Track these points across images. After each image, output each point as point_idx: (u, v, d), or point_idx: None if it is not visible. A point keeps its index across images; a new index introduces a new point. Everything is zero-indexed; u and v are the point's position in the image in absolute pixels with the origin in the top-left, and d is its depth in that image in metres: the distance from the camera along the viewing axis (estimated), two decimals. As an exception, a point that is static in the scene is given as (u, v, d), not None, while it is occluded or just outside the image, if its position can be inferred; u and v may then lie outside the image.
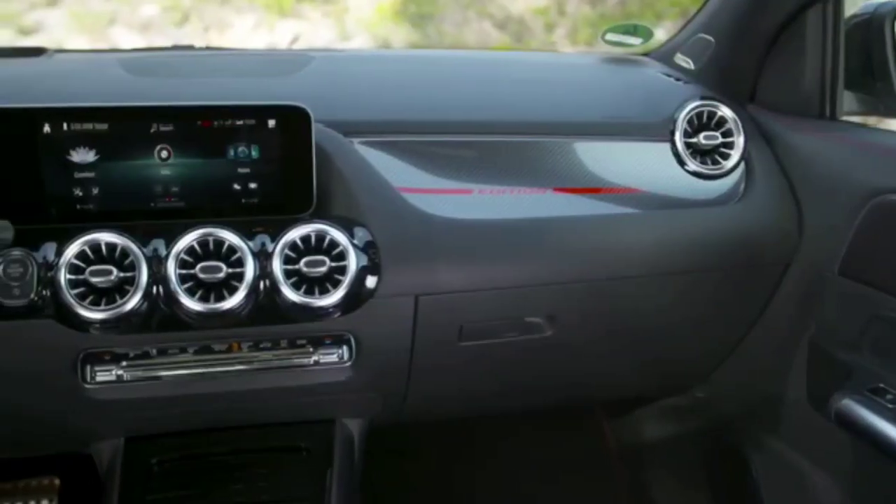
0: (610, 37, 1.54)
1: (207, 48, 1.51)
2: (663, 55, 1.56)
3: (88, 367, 1.11)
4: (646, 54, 1.62)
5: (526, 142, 1.28)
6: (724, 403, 1.58)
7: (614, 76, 1.50)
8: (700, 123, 1.34)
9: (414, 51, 2.07)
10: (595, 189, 1.28)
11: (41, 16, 3.87)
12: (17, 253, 1.02)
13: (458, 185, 1.22)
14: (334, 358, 1.17)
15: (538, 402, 1.55)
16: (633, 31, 1.53)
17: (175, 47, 1.49)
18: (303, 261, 1.07)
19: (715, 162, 1.33)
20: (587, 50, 3.80)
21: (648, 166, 1.32)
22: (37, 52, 1.35)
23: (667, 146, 1.33)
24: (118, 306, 1.03)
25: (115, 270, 1.03)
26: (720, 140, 1.33)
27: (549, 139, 1.29)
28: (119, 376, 1.12)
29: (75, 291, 1.02)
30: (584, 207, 1.26)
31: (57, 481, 1.68)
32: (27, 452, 1.43)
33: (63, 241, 1.04)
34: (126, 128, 1.09)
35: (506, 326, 1.25)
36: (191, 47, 1.50)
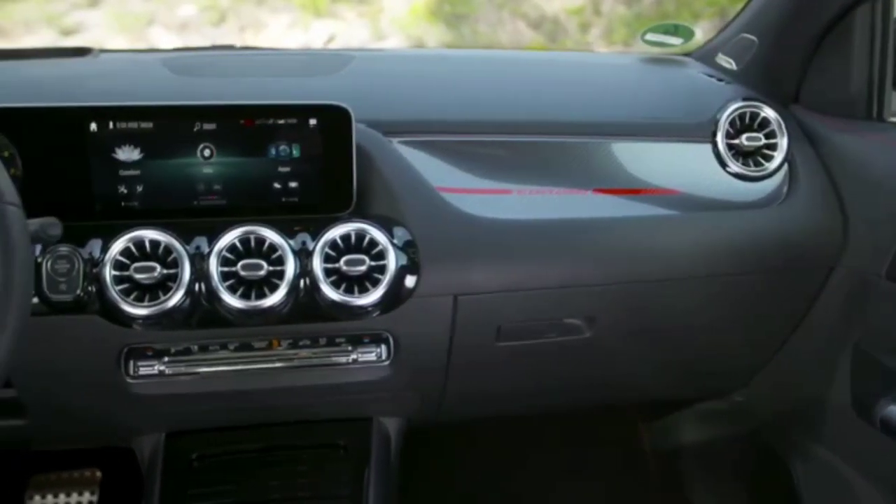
0: (650, 37, 1.53)
1: (247, 48, 1.52)
2: (704, 55, 1.55)
3: (131, 362, 1.13)
4: (686, 54, 1.61)
5: (566, 142, 1.28)
6: (764, 408, 1.56)
7: (654, 76, 1.49)
8: (742, 124, 1.32)
9: (453, 50, 2.07)
10: (635, 190, 1.27)
11: (82, 16, 3.93)
12: (64, 249, 1.04)
13: (497, 186, 1.22)
14: (372, 357, 1.17)
15: (574, 404, 1.54)
16: (673, 30, 1.51)
17: (216, 47, 1.51)
18: (343, 259, 1.08)
19: (757, 163, 1.31)
20: (623, 50, 3.78)
21: (689, 168, 1.31)
22: (83, 52, 1.37)
23: (708, 147, 1.32)
24: (161, 303, 1.04)
25: (158, 267, 1.04)
26: (763, 141, 1.31)
27: (588, 140, 1.29)
28: (161, 371, 1.13)
29: (120, 287, 1.04)
30: (625, 209, 1.25)
31: (98, 473, 1.71)
32: (71, 445, 1.46)
33: (108, 238, 1.06)
34: (170, 126, 1.10)
35: (544, 327, 1.25)
36: (231, 47, 1.52)
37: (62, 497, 1.68)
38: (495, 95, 1.35)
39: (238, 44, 1.54)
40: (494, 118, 1.29)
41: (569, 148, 1.27)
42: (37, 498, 1.68)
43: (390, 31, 4.21)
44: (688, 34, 1.50)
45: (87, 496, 1.69)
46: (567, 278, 1.20)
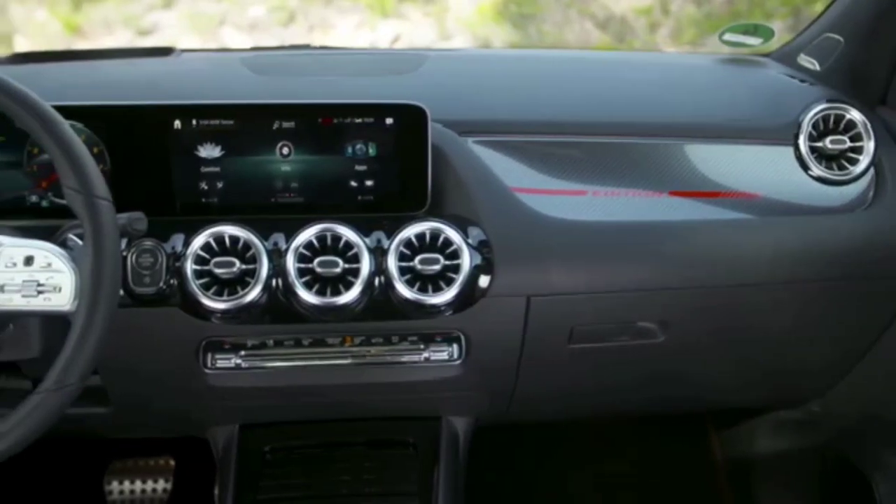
0: (728, 37, 1.50)
1: (323, 47, 1.54)
2: (785, 56, 1.51)
3: (209, 355, 1.15)
4: (764, 55, 1.57)
5: (642, 143, 1.26)
6: (843, 419, 1.51)
7: (733, 77, 1.46)
8: (826, 127, 1.28)
9: (527, 50, 2.06)
10: (713, 193, 1.24)
11: (158, 17, 4.04)
12: (148, 243, 1.07)
13: (572, 186, 1.21)
14: (444, 355, 1.18)
15: (645, 408, 1.52)
16: (753, 30, 1.48)
17: (292, 46, 1.53)
18: (417, 258, 1.08)
19: (841, 167, 1.27)
20: (692, 50, 3.71)
21: (769, 171, 1.27)
22: (165, 51, 1.40)
23: (789, 150, 1.28)
24: (239, 297, 1.06)
25: (237, 262, 1.06)
26: (848, 144, 1.27)
27: (665, 141, 1.27)
28: (237, 365, 1.15)
29: (200, 282, 1.06)
30: (702, 212, 1.22)
31: (172, 462, 1.75)
32: (148, 433, 1.50)
33: (190, 233, 1.08)
34: (251, 125, 1.12)
35: (617, 330, 1.23)
36: (307, 46, 1.54)
37: (138, 484, 1.73)
38: (571, 95, 1.34)
39: (308, 44, 1.57)
40: (570, 118, 1.27)
41: (645, 149, 1.26)
42: (114, 483, 1.73)
43: (456, 30, 4.21)
44: (768, 34, 1.46)
45: (161, 483, 1.74)
46: (642, 281, 1.18)
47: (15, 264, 0.89)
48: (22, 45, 3.89)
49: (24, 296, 0.88)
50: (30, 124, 0.88)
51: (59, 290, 0.89)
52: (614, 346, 1.24)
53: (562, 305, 1.17)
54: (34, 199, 1.13)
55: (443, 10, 4.26)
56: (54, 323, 0.99)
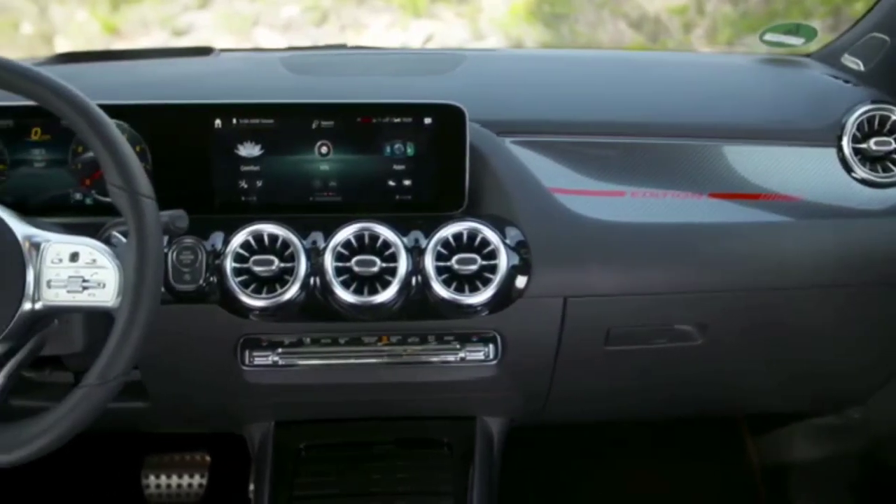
0: (769, 37, 1.48)
1: (359, 47, 1.55)
2: (828, 56, 1.48)
3: (247, 352, 1.16)
4: (807, 55, 1.55)
5: (681, 144, 1.25)
6: (883, 426, 1.49)
7: (774, 78, 1.44)
8: (871, 128, 1.26)
9: (564, 50, 2.06)
10: (754, 195, 1.23)
11: (193, 17, 4.09)
12: (188, 241, 1.08)
13: (610, 187, 1.20)
14: (480, 356, 1.17)
15: (681, 411, 1.51)
16: (795, 30, 1.46)
17: (329, 46, 1.54)
18: (454, 258, 1.08)
19: (886, 169, 1.25)
20: (727, 50, 3.67)
21: (811, 173, 1.25)
22: (205, 51, 1.42)
23: (832, 152, 1.26)
24: (278, 295, 1.07)
25: (276, 261, 1.07)
26: (893, 146, 1.25)
27: (705, 142, 1.25)
28: (275, 362, 1.16)
29: (239, 279, 1.07)
30: (742, 214, 1.21)
31: (208, 458, 1.77)
32: (185, 429, 1.51)
33: (230, 231, 1.09)
34: (290, 124, 1.13)
35: (654, 332, 1.22)
36: (343, 46, 1.55)
37: (174, 478, 1.76)
38: (609, 96, 1.34)
39: (343, 43, 1.57)
40: (608, 119, 1.27)
41: (684, 150, 1.24)
42: (151, 477, 1.76)
43: (489, 31, 4.21)
44: (810, 34, 1.44)
45: (196, 478, 1.76)
46: (680, 284, 1.17)
47: (61, 260, 0.91)
48: (62, 46, 3.96)
49: (69, 291, 0.90)
50: (77, 123, 0.89)
51: (104, 286, 0.90)
52: (651, 349, 1.23)
53: (599, 307, 1.16)
54: (78, 196, 1.15)
55: (475, 11, 4.26)
56: (96, 318, 1.01)
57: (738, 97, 1.37)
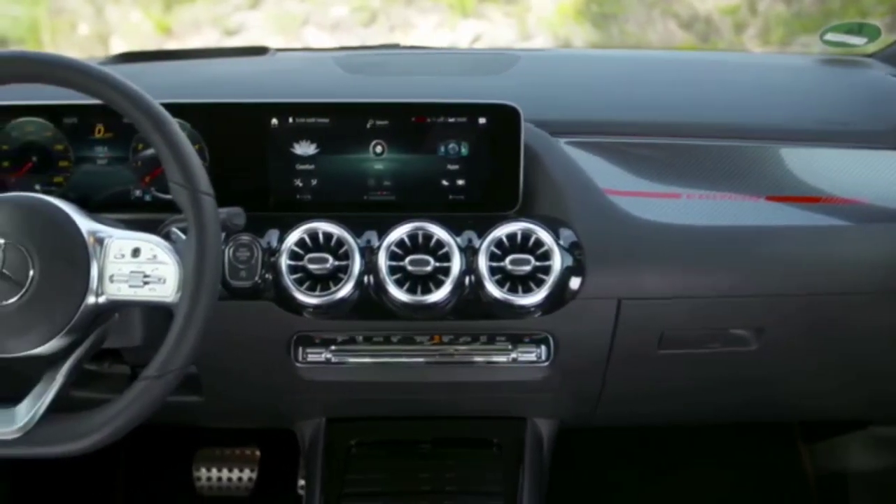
0: (830, 36, 1.45)
1: (413, 47, 1.55)
2: (892, 56, 1.45)
3: (300, 349, 1.17)
4: (868, 55, 1.51)
5: (738, 146, 1.23)
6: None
7: (834, 78, 1.41)
8: None
9: (619, 50, 2.04)
10: (812, 199, 1.20)
11: (244, 17, 4.15)
12: (245, 238, 1.09)
13: (665, 189, 1.19)
14: (532, 357, 1.17)
15: (733, 416, 1.48)
16: (857, 30, 1.42)
17: (382, 46, 1.55)
18: (508, 258, 1.08)
19: None
20: (779, 50, 3.60)
21: (872, 176, 1.22)
22: (260, 51, 1.44)
23: (894, 155, 1.23)
24: (331, 293, 1.08)
25: (330, 259, 1.08)
26: None
27: (762, 144, 1.23)
28: (328, 359, 1.17)
29: (294, 277, 1.08)
30: (801, 218, 1.18)
31: (258, 452, 1.80)
32: (238, 423, 1.54)
33: (285, 229, 1.10)
34: (346, 123, 1.14)
35: (709, 337, 1.20)
36: (397, 46, 1.55)
37: (225, 472, 1.78)
38: (664, 97, 1.32)
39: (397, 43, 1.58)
40: (664, 120, 1.25)
41: (741, 152, 1.22)
42: (203, 470, 1.79)
43: (537, 30, 4.19)
44: (874, 33, 1.41)
45: (247, 473, 1.78)
46: (737, 288, 1.15)
47: (123, 256, 0.92)
48: (117, 46, 4.04)
49: (131, 286, 0.92)
50: (141, 121, 0.91)
51: (164, 281, 0.92)
52: (705, 353, 1.22)
53: (653, 310, 1.15)
54: (137, 193, 1.17)
55: (524, 10, 4.25)
56: (155, 313, 1.03)
57: (796, 98, 1.34)
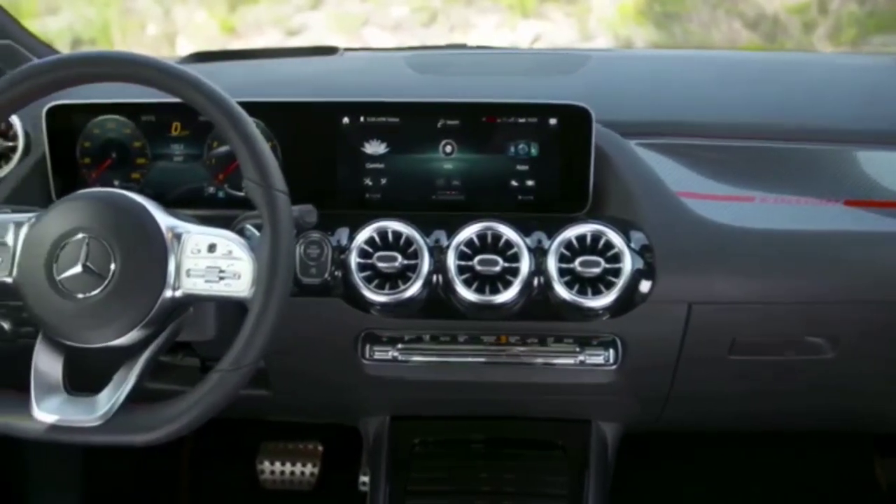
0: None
1: (480, 47, 1.55)
2: (978, 56, 1.39)
3: (367, 346, 1.18)
4: (951, 55, 1.45)
5: (814, 149, 1.20)
6: None
7: None
8: None
9: (689, 51, 2.01)
10: (893, 203, 1.16)
11: (305, 18, 4.20)
12: (315, 235, 1.11)
13: (739, 192, 1.16)
14: (600, 360, 1.16)
15: (804, 426, 1.45)
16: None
17: (450, 46, 1.55)
18: (577, 260, 1.07)
19: None
20: (851, 50, 3.50)
21: None
22: (330, 51, 1.45)
23: None
24: (400, 292, 1.08)
25: (399, 257, 1.08)
26: None
27: (839, 147, 1.20)
28: (394, 357, 1.18)
29: (363, 275, 1.09)
30: (880, 223, 1.15)
31: (320, 447, 1.82)
32: (303, 418, 1.55)
33: (355, 227, 1.11)
34: (416, 122, 1.14)
35: (782, 344, 1.18)
36: (464, 46, 1.55)
37: (288, 466, 1.81)
38: (737, 98, 1.29)
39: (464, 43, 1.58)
40: (736, 122, 1.23)
41: (817, 155, 1.19)
42: (266, 463, 1.82)
43: (598, 31, 4.16)
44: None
45: (309, 467, 1.81)
46: (813, 294, 1.12)
47: (200, 251, 0.94)
48: (183, 45, 4.14)
49: (206, 281, 0.93)
50: (219, 120, 0.93)
51: (239, 276, 0.93)
52: (778, 360, 1.19)
53: (725, 315, 1.13)
54: (211, 190, 1.20)
55: (584, 10, 4.22)
56: (227, 308, 1.05)
57: (875, 100, 1.30)
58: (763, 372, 1.21)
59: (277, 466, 1.81)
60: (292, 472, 1.80)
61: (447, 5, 4.21)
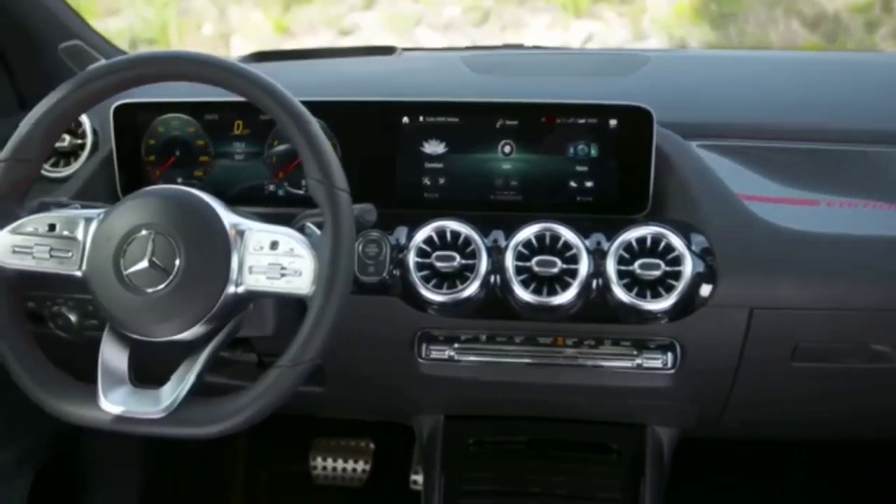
0: None
1: (536, 47, 1.55)
2: None
3: (424, 345, 1.18)
4: None
5: (881, 152, 1.17)
6: None
7: None
8: None
9: (751, 51, 1.97)
10: None
11: (358, 18, 4.24)
12: (374, 234, 1.12)
13: (804, 196, 1.14)
14: (657, 364, 1.14)
15: (867, 435, 1.41)
16: None
17: (507, 46, 1.55)
18: (637, 263, 1.06)
19: None
20: (915, 51, 3.41)
21: None
22: (388, 50, 1.46)
23: None
24: (457, 291, 1.08)
25: (457, 257, 1.08)
26: None
27: None
28: (451, 357, 1.17)
29: (421, 274, 1.09)
30: None
31: (372, 445, 1.83)
32: (356, 415, 1.56)
33: (413, 226, 1.12)
34: (475, 122, 1.15)
35: (847, 351, 1.14)
36: (520, 46, 1.55)
37: (340, 462, 1.82)
38: (801, 99, 1.27)
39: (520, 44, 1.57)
40: (802, 124, 1.21)
41: (886, 158, 1.17)
42: (318, 459, 1.84)
43: (651, 31, 4.12)
44: None
45: (360, 464, 1.82)
46: (881, 300, 1.09)
47: (262, 248, 0.95)
48: (238, 45, 4.21)
49: (268, 277, 0.94)
50: (283, 119, 0.94)
51: (300, 274, 0.94)
52: (842, 368, 1.16)
53: (787, 320, 1.10)
54: (271, 188, 1.21)
55: (638, 10, 4.17)
56: (286, 305, 1.06)
57: None
58: (826, 379, 1.18)
59: (329, 462, 1.82)
60: (344, 469, 1.82)
61: (499, 5, 4.21)
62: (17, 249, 0.96)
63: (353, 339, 1.16)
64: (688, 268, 1.05)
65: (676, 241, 1.06)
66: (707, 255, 1.07)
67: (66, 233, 0.96)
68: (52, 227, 0.97)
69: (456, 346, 1.17)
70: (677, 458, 1.31)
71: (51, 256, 0.96)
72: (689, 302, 1.07)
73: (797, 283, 1.08)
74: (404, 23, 4.25)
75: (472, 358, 1.17)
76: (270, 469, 1.86)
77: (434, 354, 1.18)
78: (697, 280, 1.06)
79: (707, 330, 1.11)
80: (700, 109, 1.23)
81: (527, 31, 4.27)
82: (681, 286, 1.05)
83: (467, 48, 1.54)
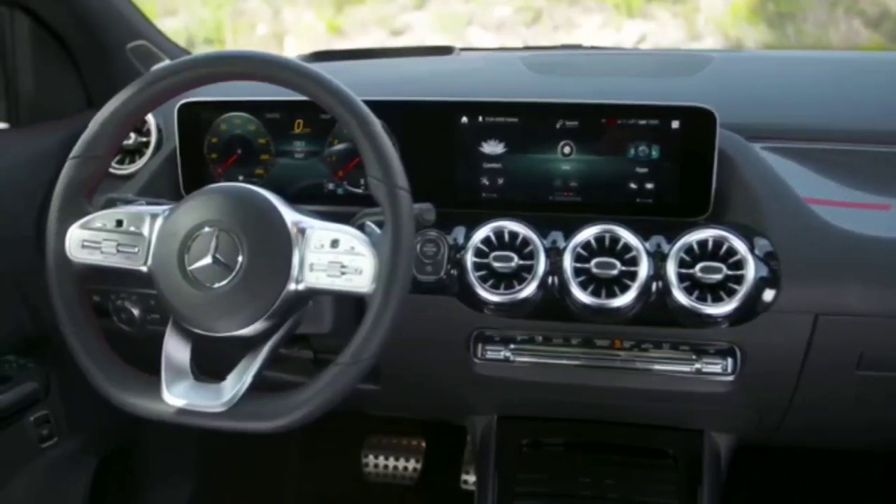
0: None
1: (594, 47, 1.53)
2: None
3: (479, 345, 1.18)
4: None
5: None
6: None
7: None
8: None
9: (812, 52, 1.93)
10: None
11: (409, 18, 4.26)
12: (432, 233, 1.12)
13: (873, 200, 1.11)
14: (717, 369, 1.12)
15: None
16: None
17: (565, 46, 1.54)
18: (698, 266, 1.04)
19: None
20: None
21: None
22: (446, 50, 1.46)
23: None
24: (515, 292, 1.08)
25: (515, 258, 1.08)
26: None
27: None
28: (506, 357, 1.17)
29: (478, 274, 1.09)
30: None
31: (423, 444, 1.84)
32: (410, 414, 1.57)
33: (471, 226, 1.12)
34: (535, 122, 1.14)
35: None
36: (579, 46, 1.54)
37: (391, 460, 1.83)
38: (868, 100, 1.24)
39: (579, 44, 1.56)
40: (869, 126, 1.17)
41: None
42: (370, 457, 1.85)
43: (706, 31, 4.06)
44: None
45: (412, 463, 1.83)
46: None
47: (322, 246, 0.95)
48: (291, 45, 4.26)
49: (329, 275, 0.94)
50: (346, 119, 0.94)
51: (361, 272, 0.94)
52: None
53: (854, 327, 1.08)
54: (330, 186, 1.22)
55: (692, 10, 4.12)
56: (344, 303, 1.07)
57: None
58: (892, 388, 1.15)
59: (381, 460, 1.83)
60: (395, 467, 1.83)
61: (551, 5, 4.19)
62: (86, 244, 0.99)
63: (408, 338, 1.17)
64: (750, 272, 1.03)
65: (739, 245, 1.04)
66: (771, 260, 1.05)
67: (132, 229, 0.98)
68: (119, 223, 0.99)
69: (511, 346, 1.17)
70: (736, 464, 1.29)
71: (118, 251, 0.98)
72: (751, 307, 1.05)
73: (864, 289, 1.06)
74: (455, 22, 4.26)
75: (527, 359, 1.17)
76: (323, 465, 1.88)
77: (489, 355, 1.17)
78: (760, 284, 1.04)
79: (769, 335, 1.09)
80: (764, 111, 1.21)
81: (578, 32, 4.25)
82: (743, 290, 1.03)
83: (525, 48, 1.54)
